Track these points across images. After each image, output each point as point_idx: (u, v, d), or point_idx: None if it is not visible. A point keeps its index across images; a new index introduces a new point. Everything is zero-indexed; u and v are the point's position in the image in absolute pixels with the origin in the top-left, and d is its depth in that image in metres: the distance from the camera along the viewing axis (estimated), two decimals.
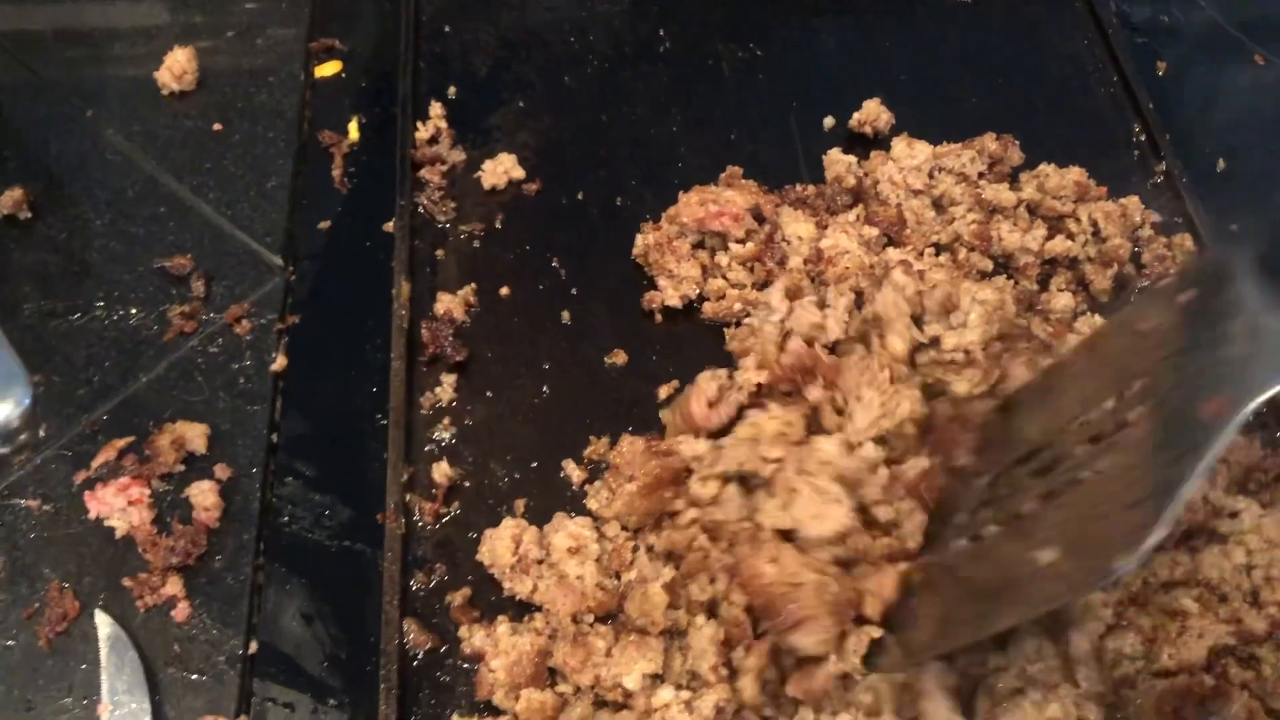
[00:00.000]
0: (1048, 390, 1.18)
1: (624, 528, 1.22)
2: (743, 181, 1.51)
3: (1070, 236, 1.46)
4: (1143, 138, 1.62)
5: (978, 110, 1.64)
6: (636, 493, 1.20)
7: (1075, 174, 1.50)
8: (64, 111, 1.62)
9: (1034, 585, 1.01)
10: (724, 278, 1.42)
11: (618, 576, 1.18)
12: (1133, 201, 1.50)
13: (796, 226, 1.44)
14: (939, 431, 1.23)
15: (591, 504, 1.25)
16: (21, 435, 1.31)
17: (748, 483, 1.23)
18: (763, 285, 1.41)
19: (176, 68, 1.63)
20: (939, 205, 1.49)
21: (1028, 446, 1.13)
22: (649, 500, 1.21)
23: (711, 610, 1.16)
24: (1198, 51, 1.74)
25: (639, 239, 1.47)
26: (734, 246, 1.43)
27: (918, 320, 1.35)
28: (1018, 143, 1.55)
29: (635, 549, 1.20)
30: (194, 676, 1.18)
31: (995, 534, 1.10)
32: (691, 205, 1.44)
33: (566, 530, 1.19)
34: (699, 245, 1.46)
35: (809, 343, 1.29)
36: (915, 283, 1.35)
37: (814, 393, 1.26)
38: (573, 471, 1.29)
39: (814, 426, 1.26)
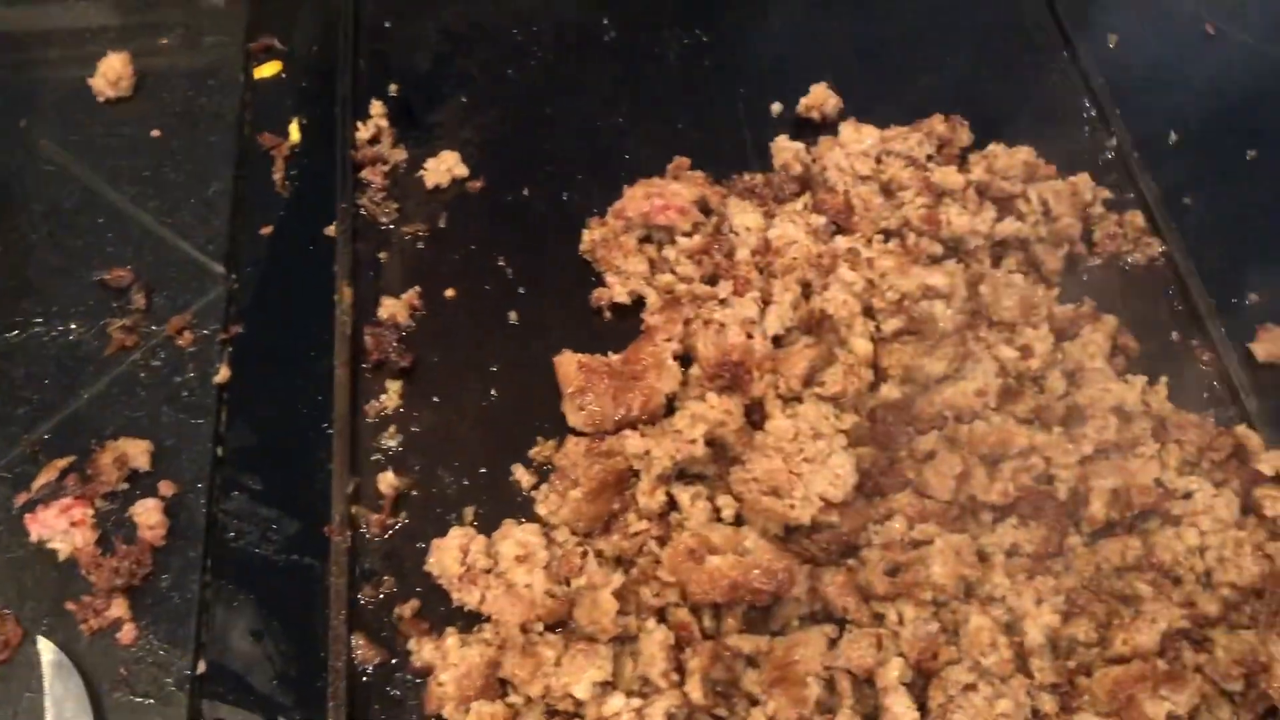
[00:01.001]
0: None
1: (573, 532, 1.21)
2: (689, 173, 1.49)
3: (1020, 217, 1.45)
4: (1093, 112, 1.61)
5: (927, 90, 1.62)
6: (583, 498, 1.19)
7: (1024, 153, 1.49)
8: None
9: None
10: (672, 272, 1.40)
11: (567, 583, 1.17)
12: (1083, 179, 1.49)
13: (744, 217, 1.42)
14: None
15: (541, 509, 1.24)
16: None
17: (687, 474, 1.23)
18: (711, 279, 1.39)
19: (111, 73, 1.60)
20: (887, 190, 1.47)
21: None
22: (596, 505, 1.20)
23: (662, 614, 1.15)
24: (1149, 22, 1.72)
25: (586, 235, 1.45)
26: (681, 240, 1.41)
27: (870, 311, 1.35)
28: (966, 123, 1.53)
29: (584, 554, 1.18)
30: (141, 700, 1.16)
31: None
32: (636, 199, 1.42)
33: (514, 538, 1.18)
34: (646, 239, 1.44)
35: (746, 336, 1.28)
36: (862, 276, 1.34)
37: (757, 388, 1.25)
38: (522, 476, 1.28)
39: (753, 415, 1.26)
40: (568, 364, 1.30)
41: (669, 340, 1.31)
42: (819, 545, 1.19)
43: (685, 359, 1.33)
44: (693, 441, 1.21)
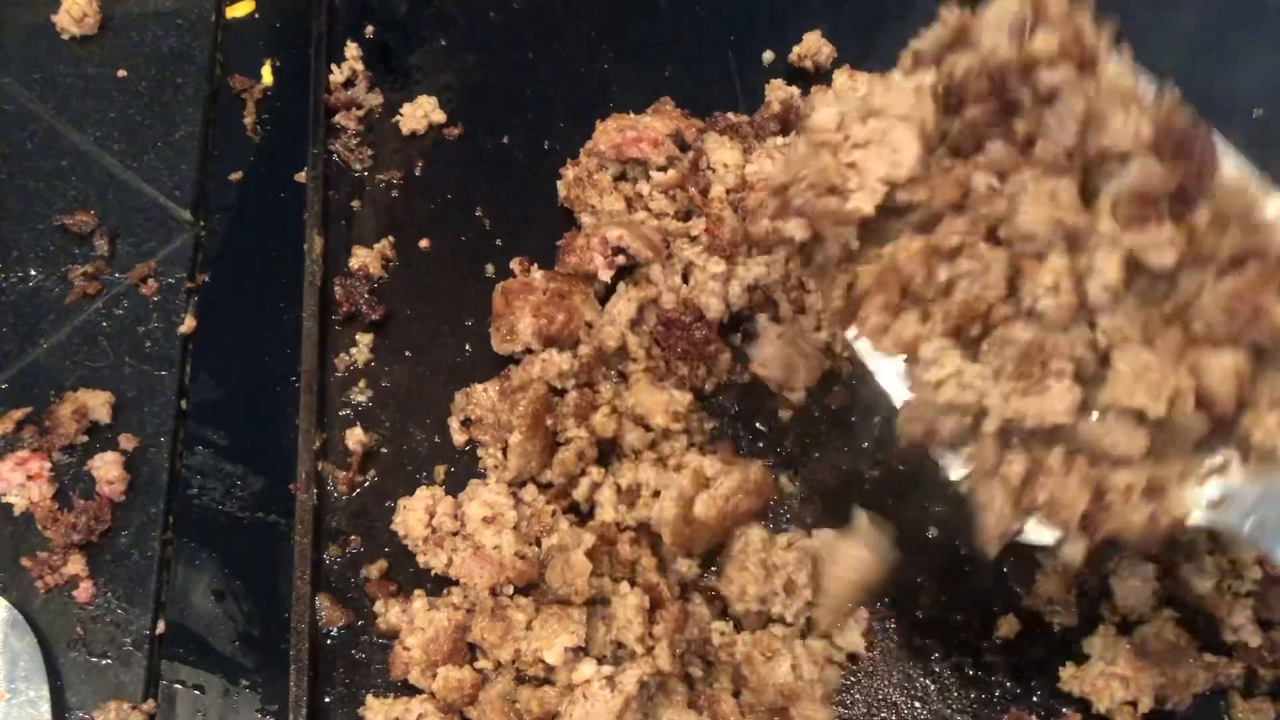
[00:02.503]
0: None
1: (533, 480, 1.17)
2: (668, 109, 1.43)
3: None
4: None
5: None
6: (524, 438, 1.15)
7: None
8: None
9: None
10: (646, 209, 1.34)
11: (538, 543, 1.13)
12: None
13: (722, 153, 1.36)
14: None
15: (491, 475, 1.19)
16: None
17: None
18: (685, 215, 1.33)
19: (76, 10, 1.53)
20: None
21: None
22: (536, 440, 1.16)
23: (633, 575, 1.11)
24: None
25: (561, 180, 1.39)
26: (655, 174, 1.35)
27: None
28: None
29: (554, 513, 1.14)
30: (97, 660, 1.13)
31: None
32: (608, 132, 1.36)
33: (481, 498, 1.13)
34: (621, 178, 1.38)
35: None
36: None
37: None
38: (457, 435, 1.24)
39: None
40: (495, 296, 1.27)
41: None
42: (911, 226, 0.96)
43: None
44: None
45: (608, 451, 1.21)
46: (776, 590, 1.09)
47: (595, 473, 1.17)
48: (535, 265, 1.33)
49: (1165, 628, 1.09)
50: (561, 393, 1.22)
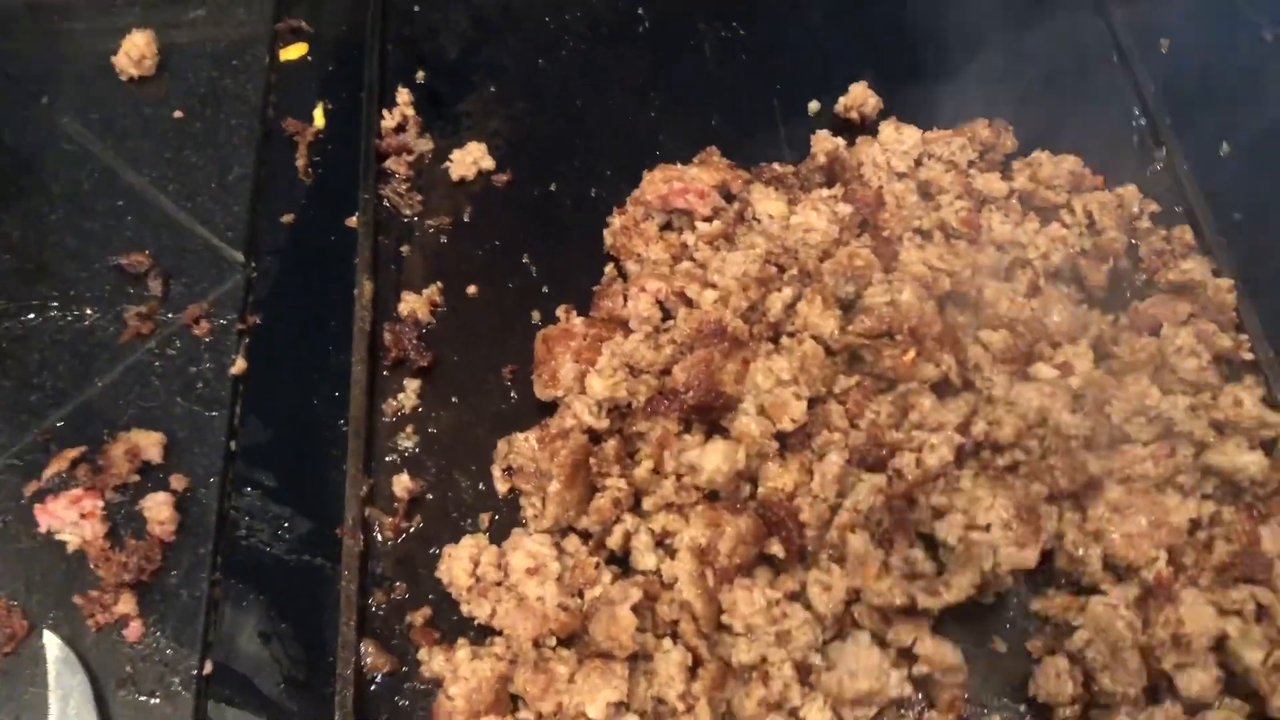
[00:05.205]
0: None
1: (575, 532, 1.18)
2: (714, 159, 1.44)
3: (1064, 228, 1.40)
4: (1142, 121, 1.55)
5: (970, 92, 1.56)
6: (562, 487, 1.16)
7: (1070, 162, 1.44)
8: (18, 98, 1.56)
9: None
10: (691, 259, 1.36)
11: (580, 595, 1.14)
12: (1130, 191, 1.43)
13: (767, 204, 1.37)
14: None
15: (531, 525, 1.20)
16: None
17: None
18: None
19: (135, 51, 1.57)
20: (925, 193, 1.42)
21: None
22: (576, 489, 1.17)
23: (675, 632, 1.12)
24: (1203, 28, 1.66)
25: (608, 228, 1.41)
26: (700, 225, 1.37)
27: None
28: (1011, 128, 1.48)
29: (598, 565, 1.15)
30: (145, 699, 1.14)
31: None
32: (655, 183, 1.38)
33: (524, 549, 1.14)
34: (667, 227, 1.40)
35: None
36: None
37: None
38: (500, 484, 1.25)
39: None
40: (537, 343, 1.29)
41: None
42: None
43: None
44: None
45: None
46: None
47: (629, 520, 1.18)
48: (576, 312, 1.35)
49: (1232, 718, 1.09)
50: (600, 439, 1.23)
